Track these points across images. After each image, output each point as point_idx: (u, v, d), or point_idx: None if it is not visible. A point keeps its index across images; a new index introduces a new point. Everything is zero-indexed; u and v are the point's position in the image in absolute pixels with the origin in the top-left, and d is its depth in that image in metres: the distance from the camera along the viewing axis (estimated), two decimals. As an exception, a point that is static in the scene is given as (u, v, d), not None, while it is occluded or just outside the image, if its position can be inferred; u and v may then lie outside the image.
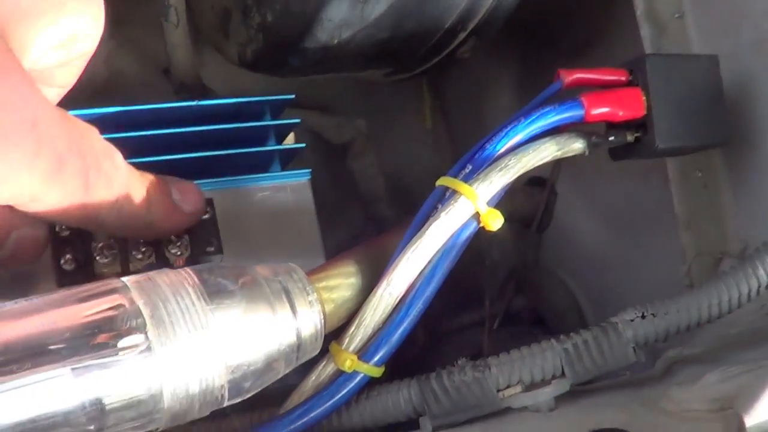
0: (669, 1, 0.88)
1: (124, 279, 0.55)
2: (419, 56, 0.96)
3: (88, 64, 0.64)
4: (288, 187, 0.84)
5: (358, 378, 0.65)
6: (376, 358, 0.64)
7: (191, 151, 0.79)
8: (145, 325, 0.52)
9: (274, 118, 0.87)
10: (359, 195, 1.20)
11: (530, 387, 0.65)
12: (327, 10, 0.84)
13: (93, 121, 0.62)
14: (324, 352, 0.64)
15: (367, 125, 1.16)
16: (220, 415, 0.62)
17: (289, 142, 0.93)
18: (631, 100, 0.73)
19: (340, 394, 0.64)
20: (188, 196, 0.70)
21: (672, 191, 0.87)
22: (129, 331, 0.51)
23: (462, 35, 0.92)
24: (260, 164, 0.84)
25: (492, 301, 1.15)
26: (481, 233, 0.68)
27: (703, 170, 0.87)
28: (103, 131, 0.63)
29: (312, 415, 0.64)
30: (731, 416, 0.56)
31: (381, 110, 1.16)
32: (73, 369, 0.49)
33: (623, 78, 0.75)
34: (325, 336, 0.63)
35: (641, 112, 0.73)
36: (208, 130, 0.81)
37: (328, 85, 1.13)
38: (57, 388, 0.48)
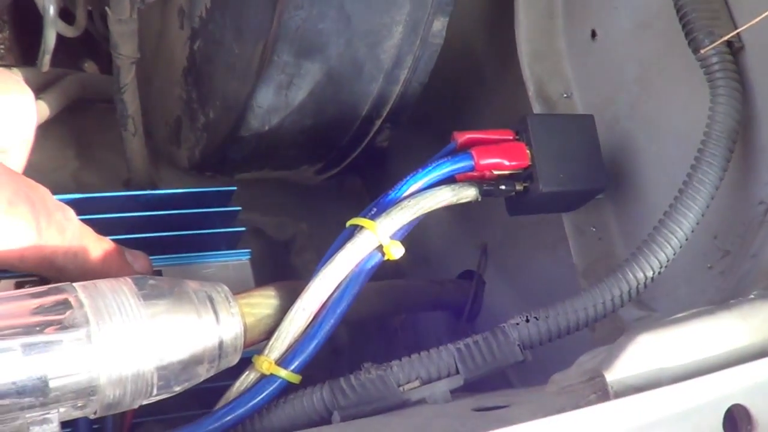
0: (557, 83, 1.00)
1: (73, 283, 0.64)
2: (343, 145, 1.07)
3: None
4: (230, 266, 0.94)
5: (277, 383, 0.72)
6: (293, 366, 0.72)
7: (146, 232, 0.89)
8: (86, 315, 0.61)
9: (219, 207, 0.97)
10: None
11: (428, 382, 0.73)
12: (256, 98, 0.95)
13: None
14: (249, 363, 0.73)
15: (308, 226, 1.26)
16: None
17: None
18: (517, 152, 0.85)
19: (260, 396, 0.71)
20: (139, 260, 0.80)
21: (570, 245, 0.96)
22: (72, 319, 0.61)
23: (378, 122, 1.04)
24: (206, 245, 0.93)
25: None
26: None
27: (597, 225, 0.96)
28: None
29: (234, 414, 0.70)
30: (598, 380, 0.65)
31: (322, 213, 1.25)
32: (22, 345, 0.58)
33: (510, 137, 0.86)
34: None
35: (526, 162, 0.85)
36: (159, 215, 0.92)
37: (271, 188, 1.24)
38: (7, 361, 0.57)
